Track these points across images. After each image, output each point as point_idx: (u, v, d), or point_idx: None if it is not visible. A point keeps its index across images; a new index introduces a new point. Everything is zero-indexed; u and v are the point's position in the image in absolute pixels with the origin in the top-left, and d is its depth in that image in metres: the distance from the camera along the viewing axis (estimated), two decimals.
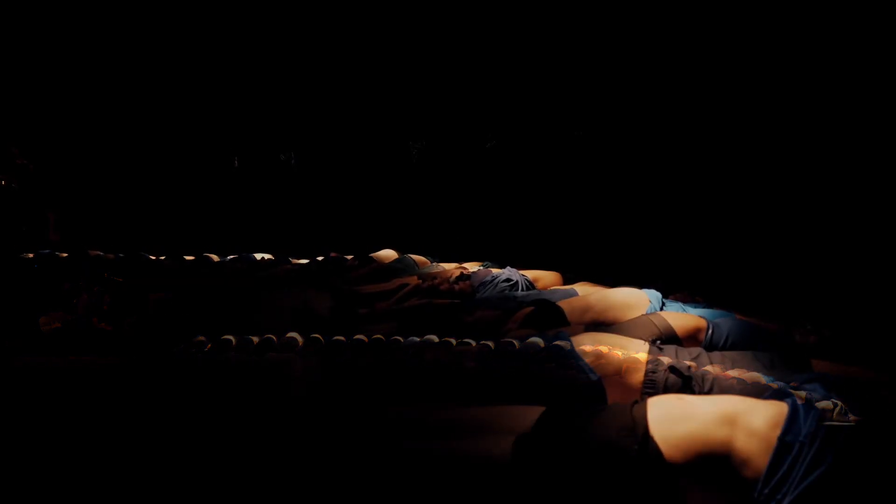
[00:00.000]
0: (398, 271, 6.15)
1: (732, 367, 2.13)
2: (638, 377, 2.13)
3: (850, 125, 4.73)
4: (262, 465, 1.82)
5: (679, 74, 6.01)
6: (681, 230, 6.09)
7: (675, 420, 1.49)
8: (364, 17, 9.02)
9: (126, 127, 14.25)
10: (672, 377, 2.10)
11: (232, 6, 10.00)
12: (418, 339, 3.17)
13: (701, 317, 2.83)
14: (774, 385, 1.77)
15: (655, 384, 2.10)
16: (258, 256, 9.64)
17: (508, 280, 4.65)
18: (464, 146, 9.08)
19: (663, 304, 3.37)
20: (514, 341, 2.58)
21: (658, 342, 2.31)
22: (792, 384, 1.61)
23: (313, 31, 9.81)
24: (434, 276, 5.09)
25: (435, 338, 3.13)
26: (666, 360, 2.16)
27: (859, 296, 4.35)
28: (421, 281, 4.90)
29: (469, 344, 2.77)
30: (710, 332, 2.68)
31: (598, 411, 1.64)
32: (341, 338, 3.60)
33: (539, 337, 2.41)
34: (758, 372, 2.10)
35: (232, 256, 10.27)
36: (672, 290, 4.02)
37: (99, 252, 11.30)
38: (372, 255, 7.46)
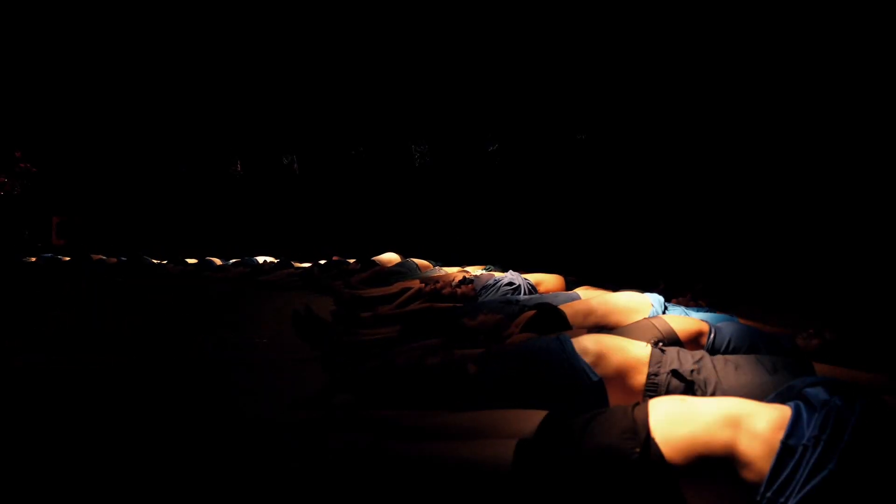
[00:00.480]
0: (400, 275, 6.16)
1: (735, 371, 2.12)
2: (640, 379, 2.12)
3: (851, 129, 4.72)
4: (262, 465, 1.82)
5: (680, 79, 6.01)
6: (683, 234, 6.09)
7: (677, 422, 1.49)
8: (367, 23, 9.04)
9: (129, 132, 14.30)
10: (674, 381, 2.09)
11: (235, 13, 10.03)
12: (420, 343, 3.17)
13: (703, 321, 2.82)
14: (778, 388, 1.76)
15: (657, 386, 2.09)
16: (261, 259, 9.69)
17: (511, 284, 4.65)
18: (466, 150, 9.08)
19: (666, 308, 3.36)
20: (516, 345, 2.57)
21: (660, 345, 2.30)
22: (795, 388, 1.60)
23: (316, 37, 9.83)
24: (436, 280, 5.10)
25: (437, 341, 3.14)
26: (668, 362, 2.15)
27: (862, 300, 4.34)
28: (423, 284, 4.90)
29: (471, 348, 2.77)
30: (712, 335, 2.67)
31: (600, 414, 1.63)
32: (343, 341, 3.61)
33: (540, 340, 2.40)
34: (760, 376, 2.10)
35: (235, 260, 10.32)
36: (674, 295, 4.02)
37: (102, 256, 11.32)
38: (374, 258, 7.48)
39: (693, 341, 2.63)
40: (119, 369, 3.31)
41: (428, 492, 1.60)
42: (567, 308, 3.33)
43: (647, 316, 3.11)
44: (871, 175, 4.63)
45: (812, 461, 1.35)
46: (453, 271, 5.96)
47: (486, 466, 1.56)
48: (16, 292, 7.42)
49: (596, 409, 1.69)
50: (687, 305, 3.66)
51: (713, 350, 2.59)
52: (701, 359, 2.19)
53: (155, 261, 11.01)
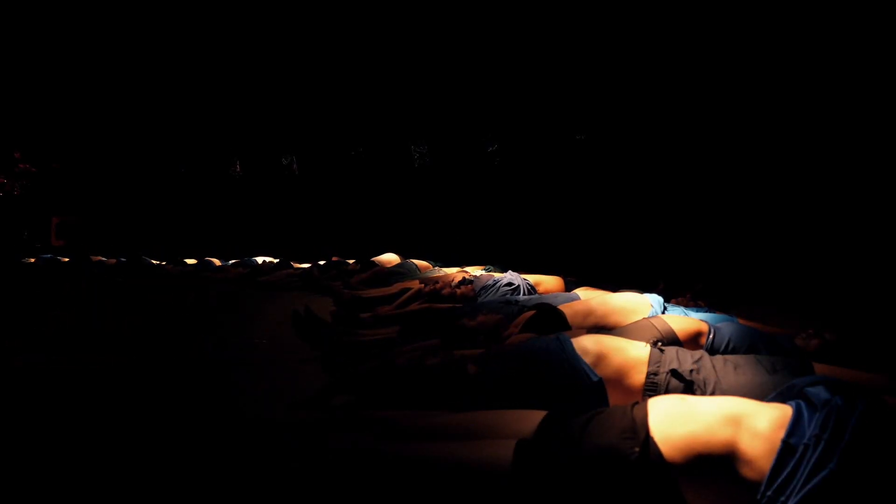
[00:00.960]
0: (400, 275, 6.16)
1: (734, 371, 2.12)
2: (639, 379, 2.12)
3: (850, 129, 4.73)
4: (262, 465, 1.82)
5: (680, 79, 6.02)
6: (683, 235, 6.09)
7: (676, 421, 1.49)
8: (366, 23, 9.04)
9: (128, 132, 14.29)
10: (673, 380, 2.09)
11: (234, 13, 10.03)
12: (420, 343, 3.17)
13: (703, 321, 2.82)
14: (777, 388, 1.76)
15: (656, 386, 2.09)
16: (260, 260, 9.68)
17: (510, 284, 4.65)
18: (466, 150, 9.08)
19: (665, 308, 3.36)
20: (516, 345, 2.57)
21: (659, 344, 2.30)
22: (796, 387, 1.60)
23: (315, 37, 9.83)
24: (436, 281, 5.09)
25: (436, 342, 3.14)
26: (667, 362, 2.15)
27: (861, 300, 4.34)
28: (423, 285, 4.90)
29: (470, 348, 2.77)
30: (711, 335, 2.67)
31: (599, 414, 1.63)
32: (343, 341, 3.61)
33: (540, 340, 2.40)
34: (760, 375, 2.10)
35: (234, 260, 10.32)
36: (674, 295, 4.02)
37: (101, 257, 11.32)
38: (374, 259, 7.48)
39: (692, 341, 2.63)
40: (119, 369, 3.31)
41: (428, 492, 1.60)
42: (566, 308, 3.34)
43: (646, 316, 3.11)
44: (870, 175, 4.63)
45: (813, 460, 1.35)
46: (453, 272, 5.96)
47: (486, 467, 1.56)
48: (16, 292, 7.42)
49: (595, 409, 1.69)
50: (686, 306, 3.66)
51: (712, 350, 2.59)
52: (700, 358, 2.19)
53: (154, 261, 11.01)
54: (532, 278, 4.80)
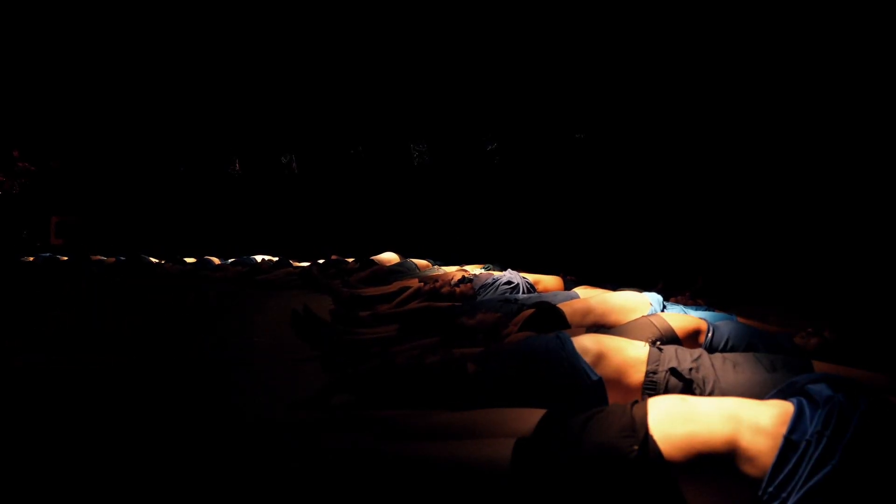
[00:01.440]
0: (399, 274, 6.16)
1: (733, 369, 2.12)
2: (638, 378, 2.12)
3: (850, 127, 4.73)
4: (261, 465, 1.82)
5: (679, 78, 6.02)
6: (682, 233, 6.09)
7: (676, 420, 1.49)
8: (366, 23, 9.03)
9: (128, 131, 14.28)
10: (673, 379, 2.09)
11: (233, 12, 10.02)
12: (419, 342, 3.17)
13: (702, 319, 2.82)
14: (777, 386, 1.76)
15: (656, 385, 2.09)
16: (259, 259, 9.68)
17: (509, 283, 4.65)
18: (465, 149, 9.07)
19: (664, 307, 3.37)
20: (515, 343, 2.57)
21: (658, 343, 2.30)
22: (797, 384, 1.60)
23: (315, 36, 9.82)
24: (435, 279, 5.09)
25: (436, 340, 3.14)
26: (666, 360, 2.15)
27: (861, 299, 4.34)
28: (422, 284, 4.90)
29: (470, 346, 2.77)
30: (710, 334, 2.67)
31: (598, 412, 1.63)
32: (343, 340, 3.61)
33: (540, 339, 2.40)
34: (759, 373, 2.10)
35: (233, 259, 10.32)
36: (673, 294, 4.02)
37: (100, 256, 11.31)
38: (373, 258, 7.48)
39: (691, 339, 2.63)
40: (119, 369, 3.31)
41: (427, 491, 1.60)
42: (565, 307, 3.34)
43: (645, 315, 3.11)
44: (870, 175, 4.63)
45: (815, 457, 1.34)
46: (452, 270, 5.96)
47: (485, 466, 1.56)
48: (16, 292, 7.41)
49: (595, 408, 1.69)
50: (686, 304, 3.66)
51: (711, 348, 2.59)
52: (699, 357, 2.19)
53: (154, 260, 11.01)
54: (531, 277, 4.80)
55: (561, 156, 7.64)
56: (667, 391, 2.06)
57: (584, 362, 2.13)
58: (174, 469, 1.95)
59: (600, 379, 2.09)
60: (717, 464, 1.41)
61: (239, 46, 10.82)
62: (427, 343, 3.08)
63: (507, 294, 4.47)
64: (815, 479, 1.32)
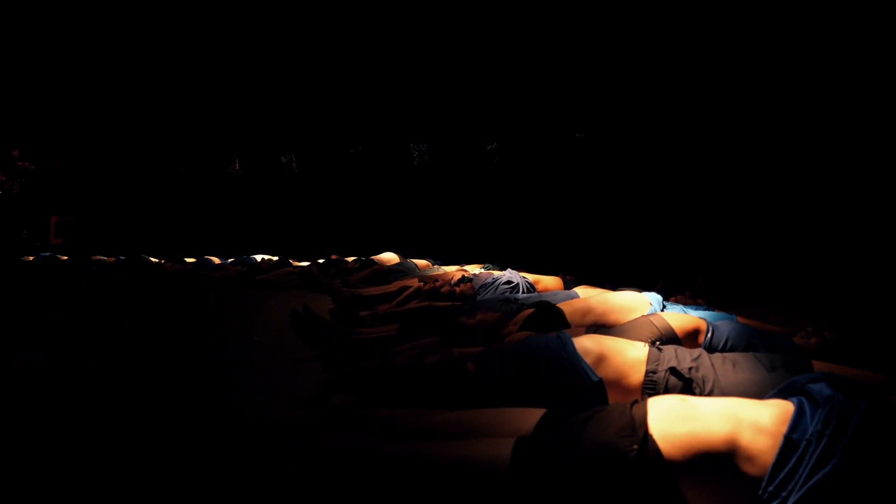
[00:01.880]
0: (399, 274, 6.16)
1: (733, 368, 2.12)
2: (638, 378, 2.12)
3: (850, 127, 4.73)
4: (261, 465, 1.82)
5: (679, 78, 6.01)
6: (682, 233, 6.09)
7: (676, 419, 1.48)
8: (365, 22, 9.03)
9: (128, 131, 14.28)
10: (672, 378, 2.10)
11: (233, 12, 10.02)
12: (419, 341, 3.17)
13: (701, 318, 2.82)
14: (776, 386, 1.76)
15: (656, 385, 2.09)
16: (259, 258, 9.68)
17: (509, 282, 4.65)
18: (465, 149, 9.07)
19: (664, 306, 3.37)
20: (515, 343, 2.58)
21: (658, 343, 2.30)
22: (797, 384, 1.60)
23: (314, 36, 9.82)
24: (435, 279, 5.09)
25: (436, 340, 3.14)
26: (666, 360, 2.15)
27: (861, 299, 4.34)
28: (422, 283, 4.90)
29: (470, 346, 2.77)
30: (709, 333, 2.67)
31: (598, 412, 1.63)
32: (342, 340, 3.61)
33: (540, 339, 2.40)
34: (759, 373, 2.10)
35: (233, 259, 10.31)
36: (673, 293, 4.02)
37: (100, 256, 11.30)
38: (373, 257, 7.48)
39: (690, 338, 2.63)
40: (119, 369, 3.31)
41: (427, 491, 1.60)
42: (565, 307, 3.34)
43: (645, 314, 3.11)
44: (870, 175, 4.63)
45: (815, 456, 1.34)
46: (452, 270, 5.96)
47: (485, 465, 1.56)
48: (15, 292, 7.41)
49: (594, 408, 1.69)
50: (685, 304, 3.66)
51: (710, 348, 2.59)
52: (699, 356, 2.19)
53: (153, 260, 11.01)
54: (531, 276, 4.80)
55: (561, 155, 7.64)
56: (666, 391, 2.06)
57: (585, 363, 2.13)
58: (174, 469, 1.95)
59: (601, 380, 2.09)
60: (717, 463, 1.41)
61: (239, 46, 10.82)
62: (427, 343, 3.08)
63: (507, 294, 4.47)
64: (816, 478, 1.32)
